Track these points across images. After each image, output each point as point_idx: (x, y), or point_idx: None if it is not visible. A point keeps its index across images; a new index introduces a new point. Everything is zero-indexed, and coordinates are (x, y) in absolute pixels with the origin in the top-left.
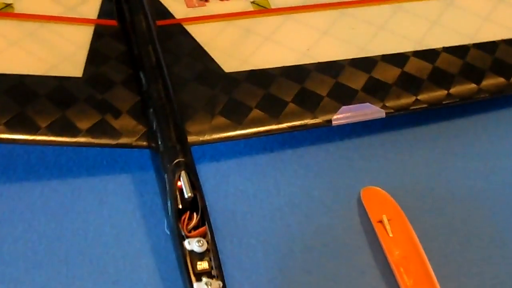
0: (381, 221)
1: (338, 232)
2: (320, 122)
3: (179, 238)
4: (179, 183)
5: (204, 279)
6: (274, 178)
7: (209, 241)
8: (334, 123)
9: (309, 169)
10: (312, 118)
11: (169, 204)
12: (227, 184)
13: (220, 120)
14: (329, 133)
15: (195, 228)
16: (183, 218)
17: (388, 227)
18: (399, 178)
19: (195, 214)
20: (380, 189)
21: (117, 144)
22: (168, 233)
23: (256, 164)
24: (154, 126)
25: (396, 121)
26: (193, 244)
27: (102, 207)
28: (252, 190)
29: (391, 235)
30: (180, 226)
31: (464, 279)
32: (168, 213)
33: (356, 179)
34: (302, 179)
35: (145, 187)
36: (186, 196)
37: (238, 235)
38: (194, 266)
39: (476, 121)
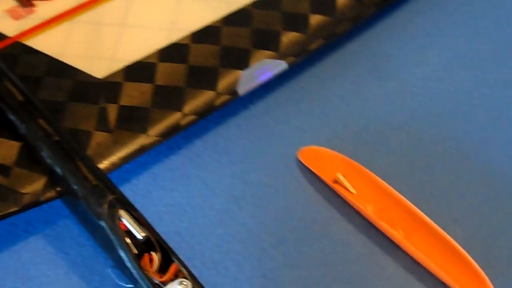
0: (336, 181)
1: (299, 210)
2: (226, 98)
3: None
4: (123, 226)
5: None
6: (199, 177)
7: (189, 277)
8: (241, 92)
9: (230, 153)
10: (216, 96)
11: (122, 255)
12: (153, 204)
13: (122, 134)
14: (230, 107)
15: (162, 269)
16: (143, 263)
17: (347, 184)
18: (326, 127)
19: (153, 253)
20: (317, 147)
21: (22, 207)
22: (132, 287)
23: (171, 169)
24: (58, 170)
25: (294, 71)
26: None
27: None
28: (184, 200)
29: (354, 191)
30: (149, 274)
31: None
32: (121, 266)
33: (284, 145)
34: (229, 167)
35: (64, 242)
36: (140, 237)
37: (198, 256)
38: None
39: (378, 39)
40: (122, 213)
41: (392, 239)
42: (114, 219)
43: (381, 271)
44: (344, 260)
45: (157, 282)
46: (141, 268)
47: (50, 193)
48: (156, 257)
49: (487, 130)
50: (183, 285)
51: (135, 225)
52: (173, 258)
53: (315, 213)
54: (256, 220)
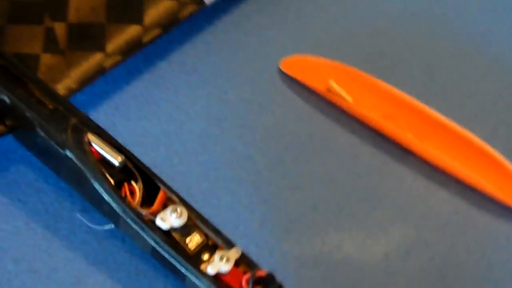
0: (329, 90)
1: (292, 126)
2: (192, 8)
3: (144, 223)
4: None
5: (217, 256)
6: (169, 101)
7: (181, 203)
8: (207, 2)
9: (200, 72)
10: (180, 6)
11: (97, 187)
12: (120, 136)
13: (75, 54)
14: (194, 24)
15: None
16: (123, 194)
17: (342, 92)
18: (306, 35)
19: (133, 183)
20: (302, 55)
21: None
22: (111, 227)
23: (135, 97)
24: (5, 98)
25: None
26: (168, 219)
27: None
28: (156, 128)
29: (350, 99)
30: (134, 206)
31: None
32: (97, 202)
33: (261, 58)
34: (202, 87)
35: (20, 190)
36: (116, 163)
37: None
38: (186, 249)
39: None
40: (91, 137)
41: (405, 146)
42: (83, 145)
43: (398, 182)
44: (354, 174)
45: (144, 213)
46: (122, 200)
47: (1, 128)
48: (137, 187)
49: (483, 23)
50: (176, 213)
51: (108, 149)
52: (159, 184)
53: (311, 127)
54: (244, 141)
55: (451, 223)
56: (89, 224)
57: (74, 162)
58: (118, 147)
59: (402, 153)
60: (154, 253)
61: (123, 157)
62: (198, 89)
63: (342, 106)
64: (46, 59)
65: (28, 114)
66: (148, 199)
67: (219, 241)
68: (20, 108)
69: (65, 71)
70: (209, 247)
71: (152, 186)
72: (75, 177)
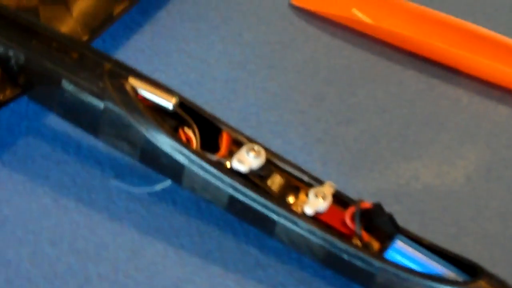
0: (353, 18)
1: (323, 60)
2: None
3: (217, 169)
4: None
5: (311, 194)
6: (181, 51)
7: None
8: None
9: (206, 18)
10: None
11: (152, 137)
12: None
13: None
14: None
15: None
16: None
17: (367, 19)
18: None
19: (186, 129)
20: None
21: None
22: (166, 185)
23: (142, 50)
24: (17, 54)
25: None
26: (247, 160)
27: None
28: (175, 80)
29: (377, 24)
30: (201, 152)
31: None
32: (149, 158)
33: None
34: (213, 32)
35: (36, 164)
36: (170, 106)
37: None
38: (271, 193)
39: None
40: (133, 81)
41: (451, 64)
42: (126, 92)
43: (454, 103)
44: (405, 101)
45: (214, 158)
46: (186, 146)
47: (11, 90)
48: (191, 132)
49: None
50: (254, 152)
51: (159, 91)
52: (221, 126)
53: (344, 60)
54: (277, 82)
55: None
56: (131, 188)
57: (117, 113)
58: (166, 88)
59: (448, 73)
60: (232, 204)
61: (177, 97)
62: (209, 35)
63: (370, 33)
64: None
65: (49, 66)
66: (206, 147)
67: (305, 179)
68: (38, 61)
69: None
70: (292, 187)
71: (208, 131)
72: (120, 132)
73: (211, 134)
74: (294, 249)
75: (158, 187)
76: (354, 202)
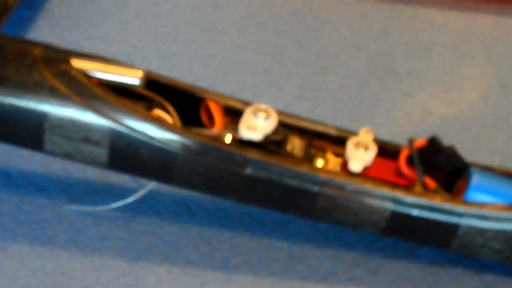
0: None
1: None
2: None
3: (223, 145)
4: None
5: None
6: None
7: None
8: None
9: None
10: None
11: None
12: None
13: None
14: None
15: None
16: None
17: None
18: None
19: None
20: None
21: None
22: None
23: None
24: None
25: None
26: (257, 125)
27: None
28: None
29: None
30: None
31: None
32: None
33: None
34: None
35: None
36: (136, 81)
37: None
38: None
39: None
40: (79, 63)
41: None
42: (74, 78)
43: (429, 24)
44: (376, 33)
45: (214, 134)
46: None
47: None
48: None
49: None
50: (263, 113)
51: (119, 68)
52: (204, 96)
53: (288, 5)
54: (221, 46)
55: None
56: (98, 208)
57: (69, 108)
58: (125, 65)
59: None
60: (251, 188)
61: (142, 70)
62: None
63: None
64: None
65: None
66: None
67: (333, 133)
68: None
69: None
70: (316, 147)
71: (182, 108)
72: (77, 133)
73: (187, 111)
74: (344, 224)
75: (136, 195)
76: (397, 145)
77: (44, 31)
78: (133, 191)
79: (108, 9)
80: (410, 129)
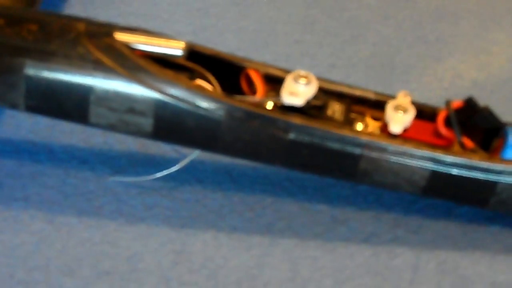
0: None
1: None
2: None
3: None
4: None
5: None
6: None
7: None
8: None
9: None
10: None
11: (164, 99)
12: None
13: None
14: None
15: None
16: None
17: None
18: None
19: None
20: None
21: None
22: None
23: None
24: None
25: None
26: (299, 91)
27: None
28: None
29: None
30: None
31: None
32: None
33: None
34: None
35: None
36: (179, 52)
37: None
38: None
39: None
40: (122, 36)
41: None
42: (119, 51)
43: None
44: (403, 1)
45: (256, 100)
46: (224, 97)
47: None
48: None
49: None
50: (303, 79)
51: (162, 40)
52: (244, 65)
53: None
54: (251, 20)
55: None
56: (142, 179)
57: (114, 79)
58: (167, 36)
59: None
60: (295, 153)
61: (184, 42)
62: None
63: None
64: None
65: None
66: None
67: (372, 97)
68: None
69: None
70: (355, 112)
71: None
72: (122, 104)
73: (228, 80)
74: (385, 186)
75: (180, 164)
76: (434, 107)
77: (76, 9)
78: (174, 161)
79: None
80: (442, 93)
